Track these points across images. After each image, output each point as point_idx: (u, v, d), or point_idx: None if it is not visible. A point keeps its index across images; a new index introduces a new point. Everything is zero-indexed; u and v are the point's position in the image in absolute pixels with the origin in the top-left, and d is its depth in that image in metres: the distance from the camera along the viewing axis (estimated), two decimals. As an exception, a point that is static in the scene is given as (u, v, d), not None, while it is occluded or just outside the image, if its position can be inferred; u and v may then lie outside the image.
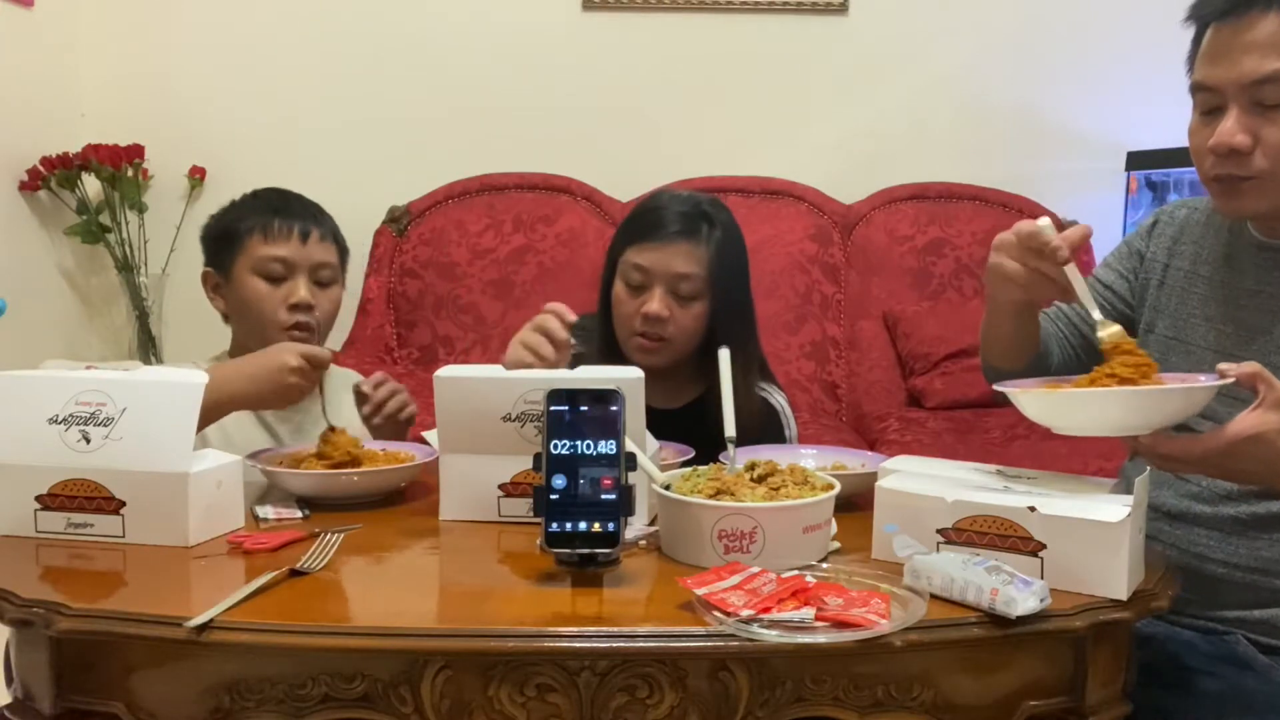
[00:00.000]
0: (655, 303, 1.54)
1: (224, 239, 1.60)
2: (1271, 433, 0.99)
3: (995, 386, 1.14)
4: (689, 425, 1.42)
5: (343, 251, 1.65)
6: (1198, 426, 1.06)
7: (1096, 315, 1.13)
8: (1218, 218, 1.31)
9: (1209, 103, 1.18)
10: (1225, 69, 1.14)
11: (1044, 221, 1.12)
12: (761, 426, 1.59)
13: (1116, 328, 1.11)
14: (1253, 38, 1.12)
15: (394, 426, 1.55)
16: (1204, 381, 1.05)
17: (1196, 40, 1.20)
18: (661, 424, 1.32)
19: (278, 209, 1.60)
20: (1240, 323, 1.25)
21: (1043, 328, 1.37)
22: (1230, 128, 1.14)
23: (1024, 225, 1.13)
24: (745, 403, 1.57)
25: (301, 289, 1.56)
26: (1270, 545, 1.20)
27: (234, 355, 1.62)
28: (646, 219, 1.58)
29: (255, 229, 1.58)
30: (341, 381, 1.70)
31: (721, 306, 1.57)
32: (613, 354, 1.60)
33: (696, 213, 1.57)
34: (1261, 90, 1.12)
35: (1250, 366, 1.01)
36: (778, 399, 1.67)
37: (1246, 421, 0.99)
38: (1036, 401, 1.09)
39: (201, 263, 1.65)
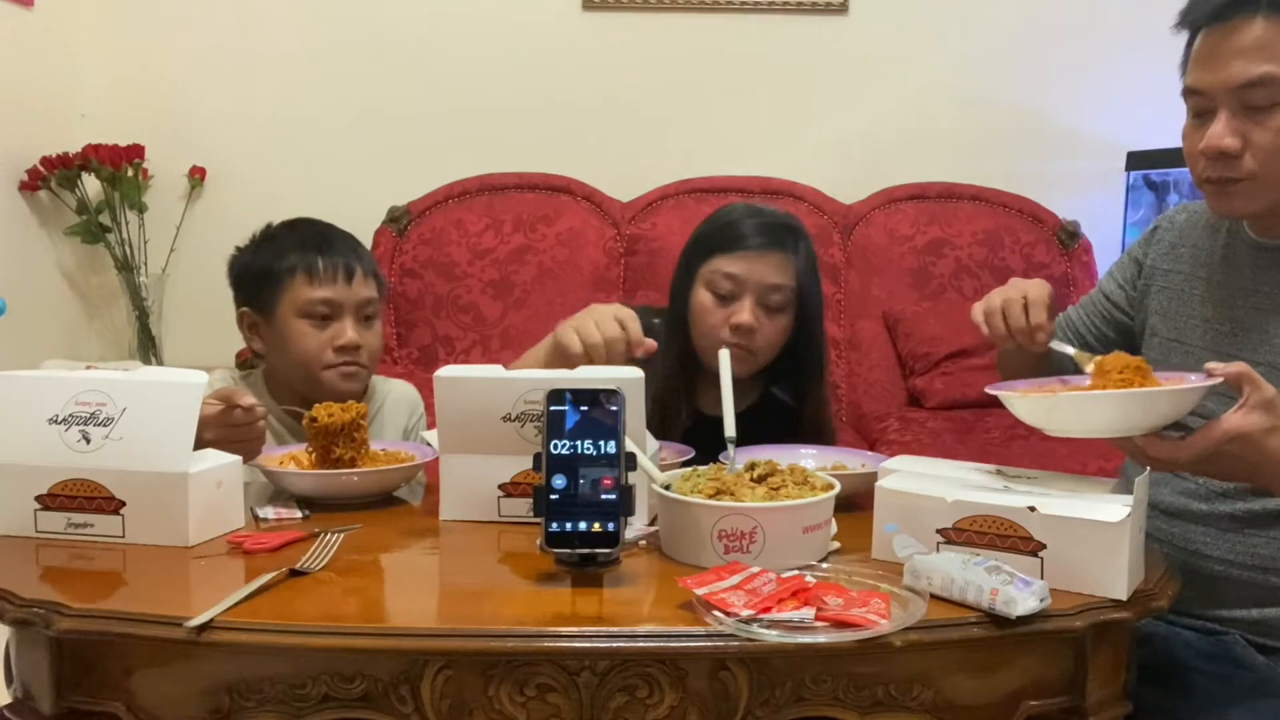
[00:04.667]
0: (746, 314, 1.52)
1: (263, 279, 1.56)
2: (1257, 432, 1.00)
3: (987, 389, 1.15)
4: (745, 430, 1.42)
5: (381, 285, 1.63)
6: (1193, 424, 1.06)
7: (1070, 351, 1.25)
8: (1216, 220, 1.32)
9: (1200, 106, 1.19)
10: (1214, 73, 1.16)
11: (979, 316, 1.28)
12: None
13: (1098, 358, 1.15)
14: (1240, 42, 1.13)
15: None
16: (1193, 381, 1.06)
17: (1189, 45, 1.21)
18: (718, 429, 1.30)
19: (320, 247, 1.56)
20: (1236, 322, 1.26)
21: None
22: (1219, 131, 1.16)
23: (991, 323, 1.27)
24: (825, 416, 1.63)
25: (349, 330, 1.54)
26: (1267, 542, 1.20)
27: (271, 388, 1.61)
28: (736, 229, 1.57)
29: (297, 269, 1.54)
30: (393, 395, 1.70)
31: (807, 319, 1.58)
32: (690, 362, 1.59)
33: (784, 226, 1.58)
34: (1249, 94, 1.14)
35: (1237, 367, 1.03)
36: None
37: (1231, 421, 1.01)
38: (1026, 404, 1.10)
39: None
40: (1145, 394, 1.05)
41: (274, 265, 1.56)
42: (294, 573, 1.00)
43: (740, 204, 1.66)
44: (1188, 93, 1.20)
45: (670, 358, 1.58)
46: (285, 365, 1.58)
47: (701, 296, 1.57)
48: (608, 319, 1.34)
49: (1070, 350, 1.25)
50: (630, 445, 1.05)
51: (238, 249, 1.64)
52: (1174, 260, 1.36)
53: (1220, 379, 1.03)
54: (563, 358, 1.33)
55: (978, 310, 1.29)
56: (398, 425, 1.68)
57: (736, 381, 1.56)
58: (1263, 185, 1.17)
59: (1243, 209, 1.21)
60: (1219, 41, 1.15)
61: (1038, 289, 1.26)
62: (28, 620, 0.91)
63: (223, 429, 1.25)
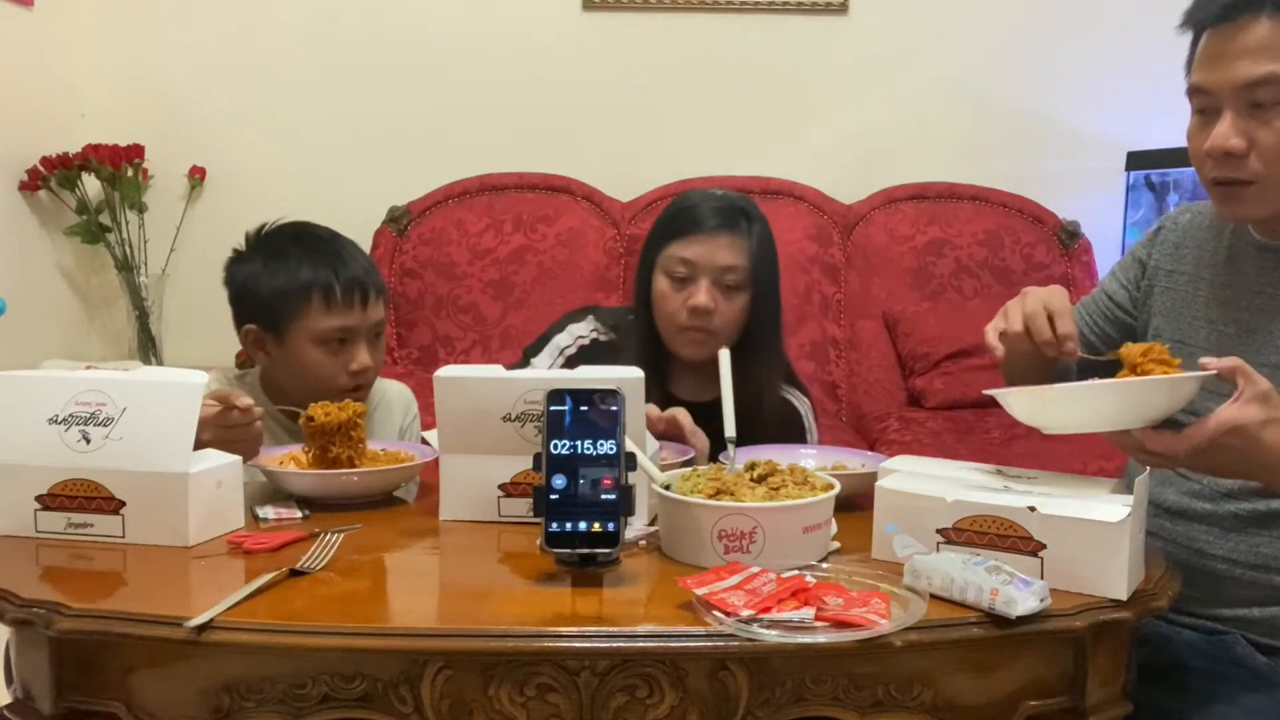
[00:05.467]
0: (702, 295, 1.55)
1: (274, 299, 1.52)
2: (1253, 425, 1.00)
3: (985, 391, 1.15)
4: (718, 417, 1.43)
5: (386, 299, 1.62)
6: (1186, 422, 1.06)
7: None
8: (1221, 220, 1.32)
9: (1205, 106, 1.19)
10: (1219, 73, 1.16)
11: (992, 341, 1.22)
12: (784, 423, 1.62)
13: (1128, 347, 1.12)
14: (1245, 42, 1.14)
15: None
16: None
17: (1194, 45, 1.21)
18: (692, 416, 1.37)
19: (334, 268, 1.53)
20: (1241, 323, 1.25)
21: None
22: (1224, 131, 1.16)
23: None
24: (770, 398, 1.62)
25: (363, 354, 1.54)
26: (1270, 542, 1.20)
27: (267, 388, 1.60)
28: (688, 215, 1.60)
29: (314, 294, 1.51)
30: (388, 395, 1.70)
31: (760, 300, 1.60)
32: (655, 349, 1.61)
33: (735, 208, 1.61)
34: (1254, 93, 1.14)
35: (1231, 360, 1.03)
36: (803, 403, 1.69)
37: (1227, 414, 1.01)
38: (1023, 401, 1.10)
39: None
40: (1140, 383, 1.05)
41: (287, 288, 1.52)
42: (294, 573, 1.00)
43: (695, 190, 1.69)
44: (1193, 92, 1.20)
45: (639, 348, 1.61)
46: (292, 382, 1.57)
47: (660, 283, 1.60)
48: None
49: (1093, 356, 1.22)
50: (630, 445, 1.05)
51: (236, 254, 1.60)
52: (1177, 261, 1.35)
53: (1214, 371, 1.03)
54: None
55: (992, 333, 1.23)
56: (393, 424, 1.69)
57: (706, 368, 1.58)
58: (1269, 188, 1.17)
59: (1251, 214, 1.21)
60: (1224, 41, 1.15)
61: (1059, 298, 1.22)
62: (28, 620, 0.91)
63: (220, 430, 1.25)
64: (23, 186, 2.87)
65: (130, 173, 3.00)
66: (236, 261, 1.60)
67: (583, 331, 1.70)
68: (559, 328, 1.71)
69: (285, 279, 1.53)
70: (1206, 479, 1.24)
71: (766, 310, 1.62)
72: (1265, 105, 1.14)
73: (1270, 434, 1.01)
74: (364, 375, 1.55)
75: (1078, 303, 1.50)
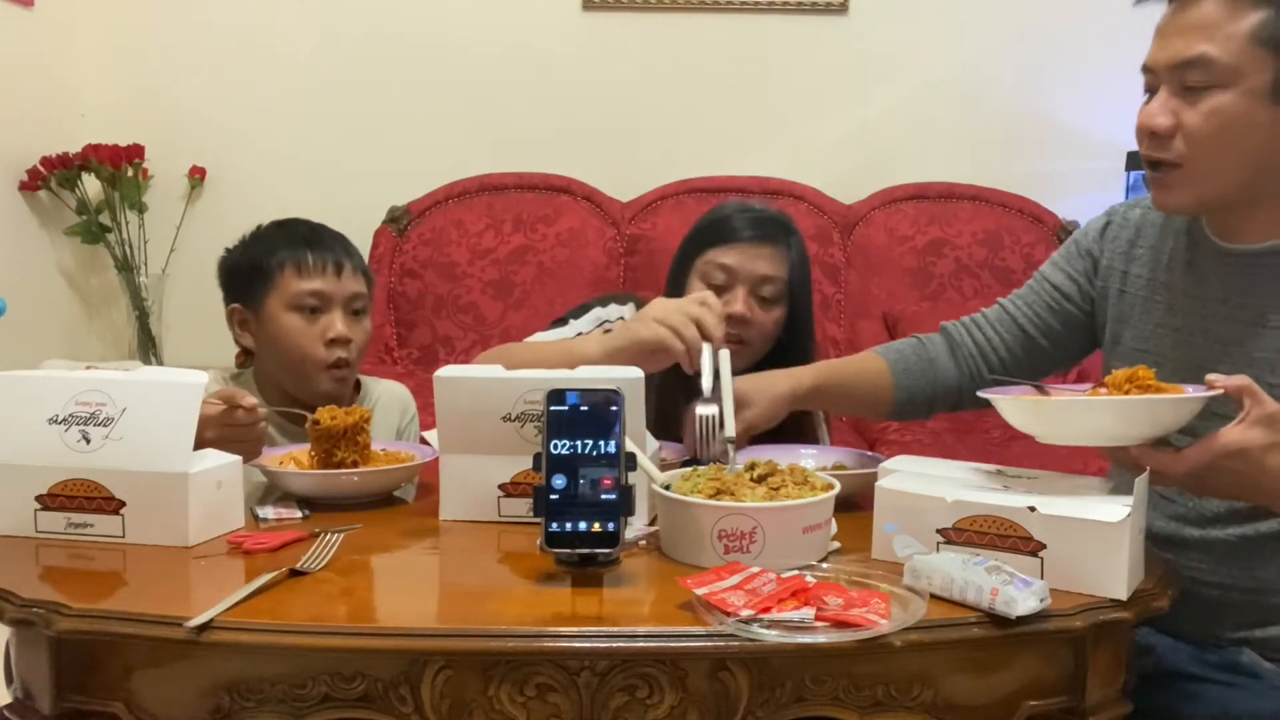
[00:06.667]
0: (739, 303, 1.54)
1: (253, 274, 1.57)
2: (1255, 449, 0.98)
3: (979, 393, 1.14)
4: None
5: (370, 283, 1.64)
6: (1176, 441, 1.04)
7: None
8: (1177, 220, 1.28)
9: (1149, 84, 1.18)
10: (1158, 50, 1.15)
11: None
12: (800, 432, 1.61)
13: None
14: (1186, 20, 1.13)
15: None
16: (1191, 392, 1.04)
17: None
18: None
19: (309, 241, 1.57)
20: (1210, 334, 1.22)
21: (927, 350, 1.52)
22: (1153, 109, 1.15)
23: None
24: (800, 416, 1.61)
25: (338, 323, 1.55)
26: (1264, 565, 1.17)
27: (261, 388, 1.61)
28: (729, 223, 1.60)
29: (287, 263, 1.55)
30: (385, 395, 1.71)
31: (795, 316, 1.60)
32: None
33: (778, 221, 1.61)
34: (1185, 73, 1.12)
35: (1239, 380, 1.00)
36: (817, 412, 1.69)
37: (1231, 436, 0.98)
38: (1019, 410, 1.09)
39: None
40: (1146, 402, 1.03)
41: (263, 261, 1.57)
42: (294, 573, 1.00)
43: (733, 200, 1.69)
44: (1142, 70, 1.18)
45: None
46: (275, 361, 1.58)
47: (696, 288, 1.58)
48: (699, 315, 1.35)
49: None
50: (630, 445, 1.05)
51: (227, 250, 1.65)
52: (1130, 261, 1.31)
53: (1221, 391, 1.01)
54: (650, 355, 1.33)
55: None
56: (390, 425, 1.68)
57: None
58: (1190, 174, 1.14)
59: (1177, 201, 1.18)
60: (1171, 18, 1.15)
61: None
62: (28, 620, 0.91)
63: (224, 429, 1.25)
64: (23, 186, 2.88)
65: (130, 173, 3.00)
66: (226, 254, 1.65)
67: (625, 314, 1.68)
68: (602, 302, 1.70)
69: (262, 254, 1.58)
70: (1191, 501, 1.21)
71: (802, 327, 1.61)
72: (1194, 87, 1.12)
73: (1274, 459, 0.98)
74: (343, 347, 1.55)
75: (1009, 296, 1.45)
